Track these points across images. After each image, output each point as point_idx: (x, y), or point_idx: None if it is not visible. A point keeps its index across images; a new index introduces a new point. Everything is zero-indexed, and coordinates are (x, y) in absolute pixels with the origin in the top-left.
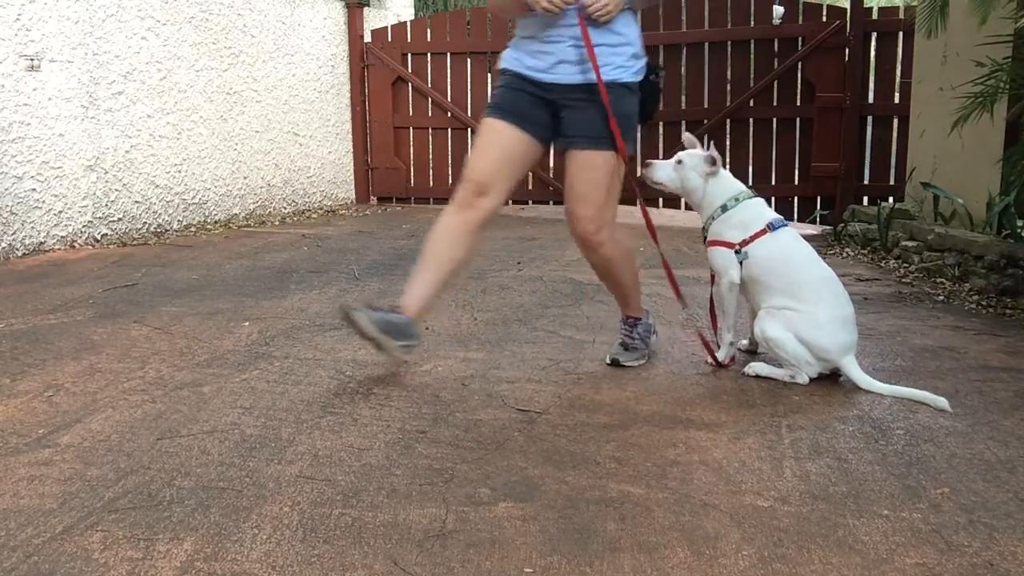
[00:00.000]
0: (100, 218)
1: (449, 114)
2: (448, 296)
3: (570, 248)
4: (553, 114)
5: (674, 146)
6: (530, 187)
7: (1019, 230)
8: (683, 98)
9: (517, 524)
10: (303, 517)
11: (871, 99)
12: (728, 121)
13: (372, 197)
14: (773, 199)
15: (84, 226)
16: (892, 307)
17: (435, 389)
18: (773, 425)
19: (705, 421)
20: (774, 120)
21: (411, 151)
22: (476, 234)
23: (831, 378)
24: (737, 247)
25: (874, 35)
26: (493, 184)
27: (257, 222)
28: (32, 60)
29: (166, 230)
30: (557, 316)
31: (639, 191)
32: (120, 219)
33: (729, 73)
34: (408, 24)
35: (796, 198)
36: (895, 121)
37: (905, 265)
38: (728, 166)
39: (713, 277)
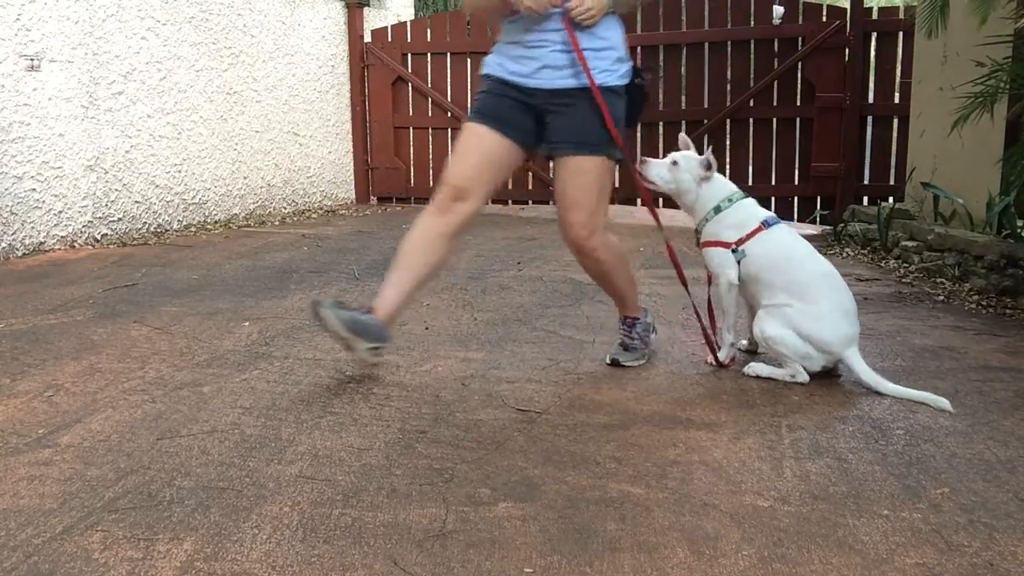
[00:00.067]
0: (100, 218)
1: (449, 114)
2: (448, 296)
3: None
4: (537, 119)
5: (673, 147)
6: (530, 187)
7: (1019, 230)
8: (683, 98)
9: (517, 524)
10: (303, 517)
11: (871, 99)
12: (728, 121)
13: (372, 197)
14: (773, 199)
15: (84, 226)
16: (892, 307)
17: (435, 389)
18: (773, 425)
19: (705, 421)
20: (774, 120)
21: (411, 151)
22: (452, 238)
23: (831, 378)
24: (734, 246)
25: (874, 35)
26: (471, 189)
27: (257, 222)
28: (32, 60)
29: (166, 230)
30: (557, 316)
31: (645, 188)
32: (120, 219)
33: (729, 73)
34: (408, 24)
35: (796, 198)
36: (895, 121)
37: (905, 265)
38: (728, 166)
39: (710, 278)
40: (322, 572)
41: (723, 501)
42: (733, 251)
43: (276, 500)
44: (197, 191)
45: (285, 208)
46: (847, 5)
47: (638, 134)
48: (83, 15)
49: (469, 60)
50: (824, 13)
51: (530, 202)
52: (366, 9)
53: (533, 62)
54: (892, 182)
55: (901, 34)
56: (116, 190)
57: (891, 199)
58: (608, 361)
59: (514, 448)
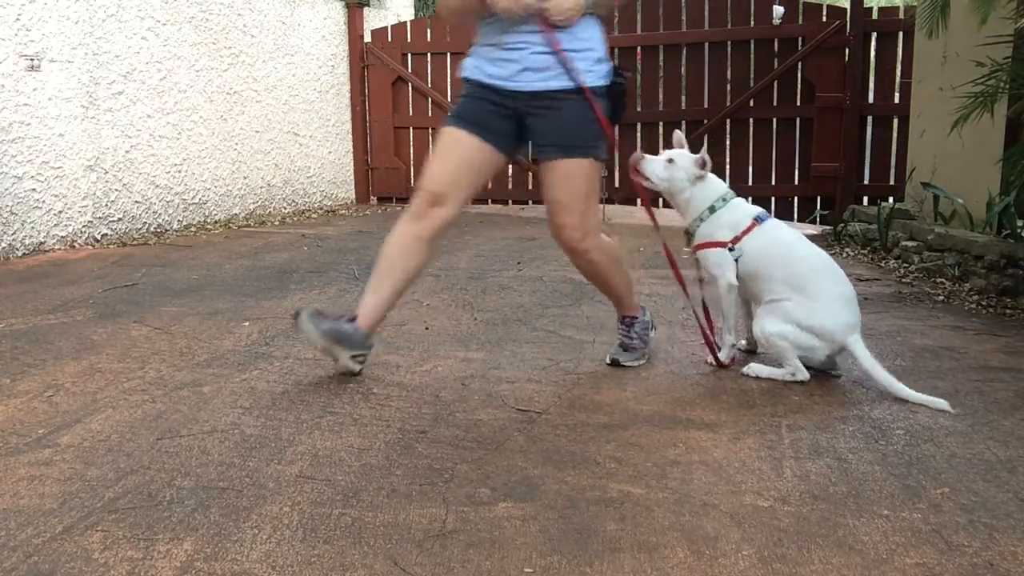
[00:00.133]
0: (100, 218)
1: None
2: (448, 296)
3: None
4: (517, 123)
5: (672, 147)
6: (530, 187)
7: (1019, 230)
8: (683, 98)
9: (517, 524)
10: (303, 517)
11: (871, 99)
12: (728, 121)
13: (372, 197)
14: (773, 199)
15: (84, 226)
16: (892, 307)
17: (435, 389)
18: (773, 425)
19: (705, 421)
20: (774, 120)
21: (411, 151)
22: (430, 243)
23: (831, 378)
24: (730, 245)
25: (874, 35)
26: (448, 194)
27: (257, 222)
28: (32, 60)
29: (166, 230)
30: (557, 316)
31: (640, 186)
32: (120, 219)
33: (729, 73)
34: (408, 24)
35: (796, 198)
36: (895, 121)
37: (905, 265)
38: (728, 166)
39: (701, 280)
40: (322, 572)
41: (723, 501)
42: (730, 250)
43: (276, 500)
44: (197, 191)
45: (285, 208)
46: (847, 5)
47: (638, 134)
48: (83, 15)
49: None
50: (824, 13)
51: (530, 202)
52: (366, 9)
53: (513, 64)
54: (892, 182)
55: (901, 34)
56: (116, 190)
57: (891, 199)
58: (608, 361)
59: (514, 448)
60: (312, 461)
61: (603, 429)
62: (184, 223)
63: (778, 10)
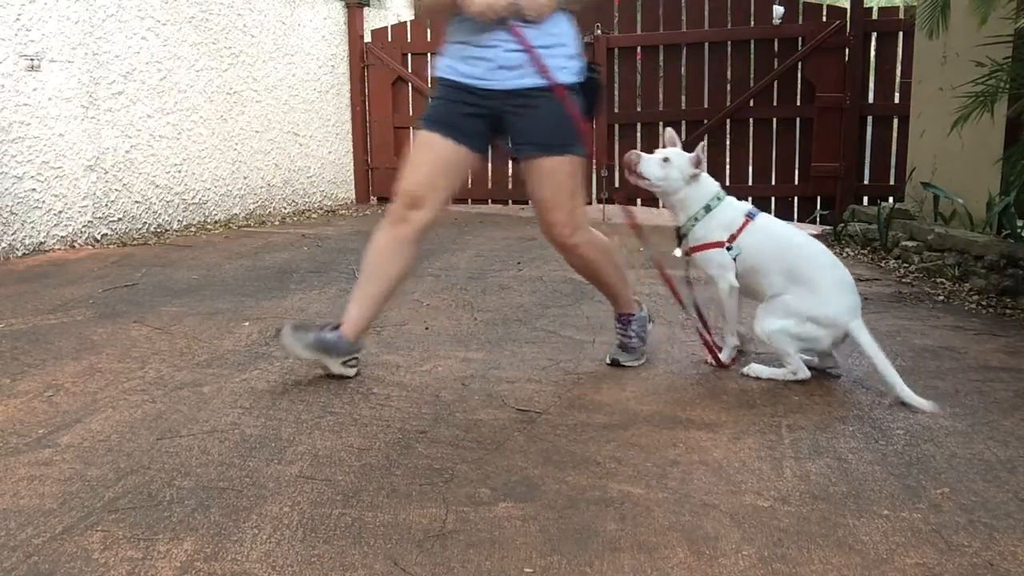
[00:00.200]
0: (100, 218)
1: None
2: (448, 296)
3: None
4: (492, 122)
5: (666, 145)
6: None
7: (1019, 230)
8: (683, 98)
9: (517, 524)
10: (303, 517)
11: (871, 99)
12: (728, 121)
13: (372, 197)
14: (773, 199)
15: (84, 226)
16: (892, 307)
17: (435, 389)
18: (773, 425)
19: (705, 421)
20: (774, 120)
21: (411, 151)
22: (412, 246)
23: (831, 378)
24: (728, 244)
25: (874, 35)
26: (426, 197)
27: (257, 222)
28: (32, 60)
29: (166, 230)
30: (557, 316)
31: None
32: (120, 219)
33: (729, 73)
34: (408, 24)
35: (796, 198)
36: (895, 121)
37: (905, 265)
38: (728, 166)
39: (690, 281)
40: (322, 572)
41: (723, 501)
42: (728, 248)
43: (276, 500)
44: (197, 191)
45: (285, 208)
46: (847, 5)
47: (638, 134)
48: (83, 15)
49: None
50: (824, 13)
51: (530, 202)
52: (366, 9)
53: (486, 63)
54: (892, 182)
55: (901, 34)
56: (116, 190)
57: (891, 199)
58: (608, 362)
59: (514, 448)
60: (312, 461)
61: (603, 429)
62: (184, 223)
63: (778, 10)
